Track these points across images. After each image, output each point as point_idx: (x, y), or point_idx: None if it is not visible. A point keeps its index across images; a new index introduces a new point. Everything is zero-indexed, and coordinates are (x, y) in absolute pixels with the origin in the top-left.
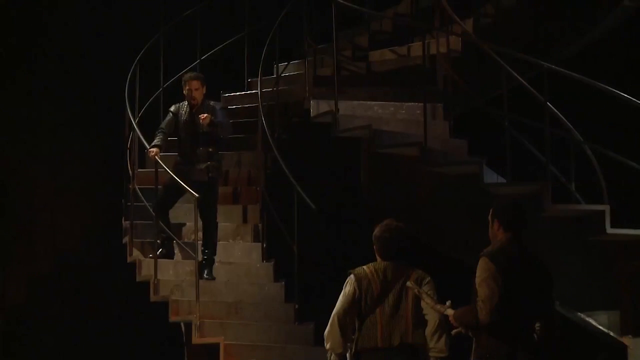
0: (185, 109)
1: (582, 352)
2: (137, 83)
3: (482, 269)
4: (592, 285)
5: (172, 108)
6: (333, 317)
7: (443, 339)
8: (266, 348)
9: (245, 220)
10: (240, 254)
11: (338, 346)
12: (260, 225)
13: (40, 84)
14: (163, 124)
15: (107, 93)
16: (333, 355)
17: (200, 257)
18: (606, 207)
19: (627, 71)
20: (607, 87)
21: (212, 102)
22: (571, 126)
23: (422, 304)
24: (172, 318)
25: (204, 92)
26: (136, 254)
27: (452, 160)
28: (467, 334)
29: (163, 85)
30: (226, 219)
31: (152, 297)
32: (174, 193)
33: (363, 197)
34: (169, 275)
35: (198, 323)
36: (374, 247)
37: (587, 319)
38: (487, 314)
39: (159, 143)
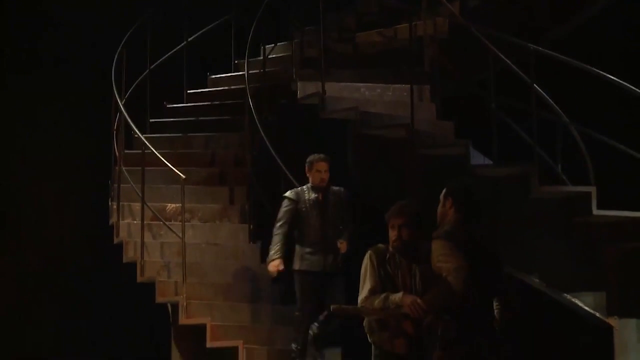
0: (308, 194)
1: (568, 333)
2: (124, 65)
3: (441, 247)
4: (578, 267)
5: (291, 195)
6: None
7: None
8: (253, 329)
9: (232, 202)
10: (227, 235)
11: None
12: (247, 206)
13: (28, 68)
14: (284, 218)
15: (95, 75)
16: None
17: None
18: (593, 189)
19: (615, 54)
20: (594, 69)
21: (335, 187)
22: (558, 108)
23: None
24: (159, 299)
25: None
26: (122, 235)
27: (439, 142)
28: (436, 322)
29: (150, 67)
30: (213, 200)
31: (139, 278)
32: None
33: (351, 179)
34: (156, 257)
35: (185, 304)
36: None
37: (574, 300)
38: (464, 282)
39: (280, 254)
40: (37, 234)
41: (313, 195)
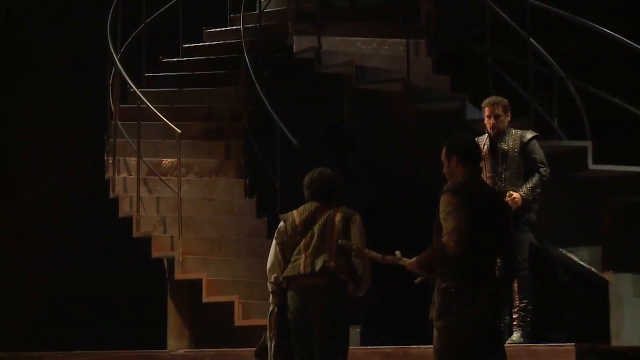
0: (485, 140)
1: (564, 287)
2: (120, 19)
3: (445, 204)
4: (574, 221)
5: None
6: (270, 252)
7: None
8: (248, 284)
9: (228, 156)
10: (223, 190)
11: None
12: (243, 161)
13: (24, 18)
14: None
15: (91, 29)
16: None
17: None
18: (588, 143)
19: (612, 8)
20: (590, 23)
21: (519, 131)
22: (554, 62)
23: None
24: (155, 254)
25: (508, 119)
26: (118, 190)
27: (435, 96)
28: (431, 279)
29: (145, 20)
30: (209, 155)
31: (135, 233)
32: None
33: (346, 133)
34: (151, 212)
35: (181, 259)
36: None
37: (569, 254)
38: (456, 244)
39: None
40: (32, 187)
41: (487, 144)
